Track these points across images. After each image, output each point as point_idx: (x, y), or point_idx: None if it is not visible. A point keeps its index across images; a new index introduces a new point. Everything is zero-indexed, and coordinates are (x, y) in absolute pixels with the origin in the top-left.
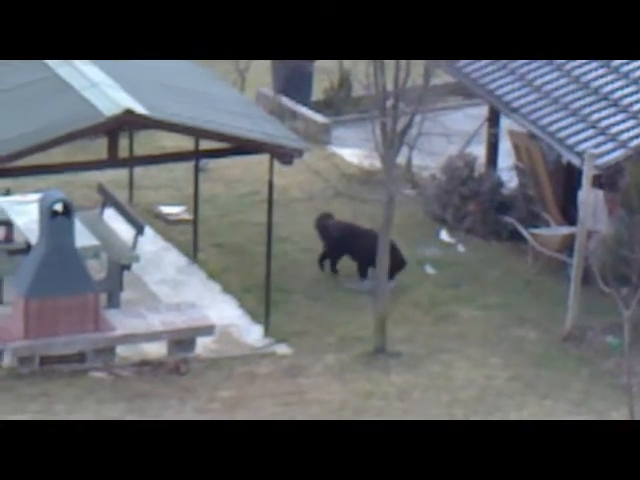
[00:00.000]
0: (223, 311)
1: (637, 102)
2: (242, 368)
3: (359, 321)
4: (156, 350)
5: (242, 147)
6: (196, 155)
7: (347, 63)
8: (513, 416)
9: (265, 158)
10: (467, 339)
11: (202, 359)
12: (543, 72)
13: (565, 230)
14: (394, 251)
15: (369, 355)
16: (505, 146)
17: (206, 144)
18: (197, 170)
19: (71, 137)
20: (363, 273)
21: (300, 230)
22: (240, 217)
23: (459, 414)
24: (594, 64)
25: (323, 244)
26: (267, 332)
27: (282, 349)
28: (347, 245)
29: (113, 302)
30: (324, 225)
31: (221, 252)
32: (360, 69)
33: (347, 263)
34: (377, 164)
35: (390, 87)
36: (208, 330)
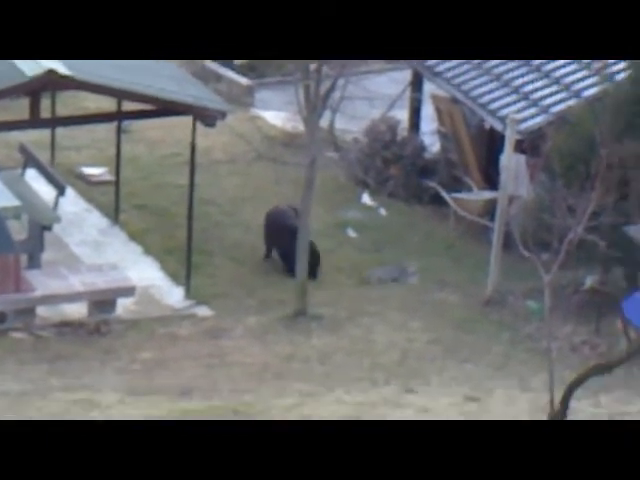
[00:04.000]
0: (144, 272)
1: (559, 68)
2: (163, 329)
3: (280, 284)
4: (77, 311)
5: (165, 109)
6: (118, 116)
7: None
8: (434, 380)
9: (188, 120)
10: (388, 303)
11: (123, 320)
12: None
13: (487, 195)
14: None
15: (290, 318)
16: (428, 110)
17: (129, 105)
18: (119, 131)
19: None
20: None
21: (222, 193)
22: (162, 179)
23: (380, 378)
24: None
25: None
26: (188, 294)
27: (203, 311)
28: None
29: (34, 263)
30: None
31: (143, 214)
32: None
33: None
34: (300, 127)
35: None
36: (129, 291)
